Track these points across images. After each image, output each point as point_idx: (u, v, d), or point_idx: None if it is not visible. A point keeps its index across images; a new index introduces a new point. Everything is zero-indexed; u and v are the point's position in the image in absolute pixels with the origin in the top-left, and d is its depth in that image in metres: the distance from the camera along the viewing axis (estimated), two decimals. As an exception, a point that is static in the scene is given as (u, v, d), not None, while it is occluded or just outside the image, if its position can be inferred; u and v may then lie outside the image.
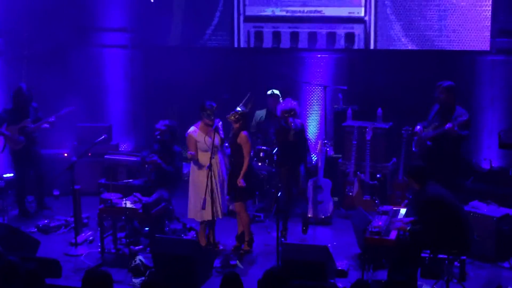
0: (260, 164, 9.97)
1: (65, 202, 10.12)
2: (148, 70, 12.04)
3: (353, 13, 11.04)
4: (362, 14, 11.00)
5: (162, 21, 11.70)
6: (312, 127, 11.38)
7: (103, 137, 9.48)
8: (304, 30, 11.28)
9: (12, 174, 10.93)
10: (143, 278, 7.81)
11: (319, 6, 11.15)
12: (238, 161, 8.56)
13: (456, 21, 10.60)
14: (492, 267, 8.16)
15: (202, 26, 11.64)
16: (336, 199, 10.04)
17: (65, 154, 11.01)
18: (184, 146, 9.07)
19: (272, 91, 10.55)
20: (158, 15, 11.69)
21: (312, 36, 11.25)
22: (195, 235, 9.04)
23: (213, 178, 8.21)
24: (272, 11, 11.38)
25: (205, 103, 8.49)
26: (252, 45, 11.55)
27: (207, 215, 8.37)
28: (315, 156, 10.13)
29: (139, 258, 8.14)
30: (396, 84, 10.81)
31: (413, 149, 9.31)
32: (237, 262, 8.35)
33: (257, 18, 11.48)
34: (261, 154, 10.04)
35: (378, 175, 9.95)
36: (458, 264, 7.69)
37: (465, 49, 10.61)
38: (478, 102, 10.60)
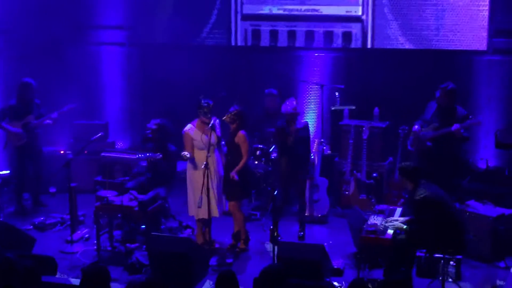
0: (256, 162, 9.98)
1: (61, 199, 10.10)
2: (145, 68, 12.01)
3: (351, 12, 11.04)
4: (360, 13, 11.00)
5: (159, 19, 11.68)
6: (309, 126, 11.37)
7: (99, 134, 9.46)
8: (301, 28, 11.28)
9: (8, 171, 10.93)
10: (139, 276, 7.80)
11: (316, 4, 11.14)
12: (235, 160, 8.55)
13: (454, 21, 10.61)
14: (488, 266, 8.17)
15: (200, 24, 11.62)
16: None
17: (62, 152, 11.01)
18: (178, 144, 9.05)
19: (270, 90, 10.57)
20: (155, 12, 11.67)
21: (310, 35, 11.25)
22: (191, 233, 9.04)
23: (209, 176, 8.20)
24: (270, 9, 11.37)
25: (201, 101, 8.47)
26: (249, 43, 11.54)
27: (203, 214, 8.36)
28: (311, 154, 10.12)
29: (135, 256, 8.14)
30: (393, 84, 10.81)
31: (409, 147, 9.32)
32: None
33: (255, 16, 11.47)
34: (258, 153, 10.05)
35: (374, 174, 9.95)
36: (454, 264, 7.70)
37: (462, 48, 10.62)
38: (475, 102, 10.60)
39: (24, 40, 11.48)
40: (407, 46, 10.84)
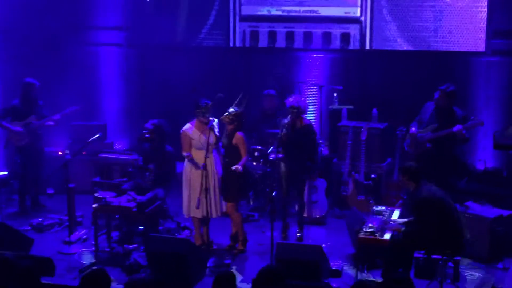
0: (254, 163, 9.97)
1: (59, 200, 10.09)
2: (143, 68, 12.03)
3: (349, 13, 11.05)
4: (358, 14, 11.00)
5: (157, 20, 11.68)
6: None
7: (97, 135, 9.45)
8: (299, 30, 11.28)
9: (6, 172, 10.93)
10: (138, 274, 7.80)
11: (315, 6, 11.15)
12: (232, 162, 8.53)
13: (452, 22, 10.61)
14: (486, 267, 8.17)
15: (198, 25, 11.63)
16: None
17: (60, 152, 11.01)
18: (176, 145, 9.04)
19: (268, 90, 10.57)
20: (154, 13, 11.68)
21: (308, 36, 11.25)
22: (189, 234, 9.03)
23: (207, 177, 8.19)
24: (268, 10, 11.37)
25: (199, 101, 8.47)
26: (247, 44, 11.55)
27: (196, 212, 8.36)
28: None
29: (133, 256, 8.13)
30: (391, 85, 10.82)
31: (406, 149, 9.33)
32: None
33: (253, 17, 11.47)
34: (256, 154, 10.04)
35: (372, 175, 9.96)
36: (452, 265, 7.70)
37: (460, 50, 10.62)
38: (473, 103, 10.61)
39: (22, 40, 11.48)
40: (406, 47, 10.85)
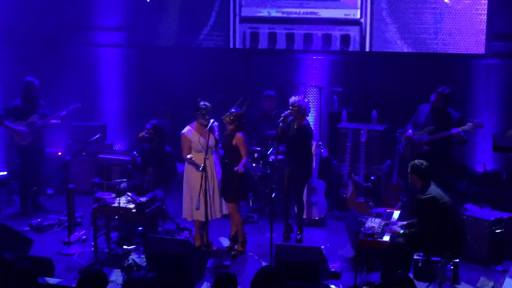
0: (254, 165, 9.97)
1: (59, 201, 10.09)
2: (143, 69, 12.03)
3: (349, 15, 11.05)
4: (358, 16, 11.01)
5: (157, 20, 11.69)
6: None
7: (97, 136, 9.45)
8: (299, 31, 11.28)
9: (5, 173, 10.93)
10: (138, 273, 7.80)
11: (315, 7, 11.16)
12: (232, 162, 8.54)
13: (452, 24, 10.62)
14: (485, 270, 8.17)
15: (198, 26, 11.63)
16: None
17: (59, 153, 11.01)
18: (175, 146, 9.04)
19: (268, 92, 10.57)
20: (154, 14, 11.68)
21: (308, 38, 11.26)
22: (188, 235, 9.03)
23: (207, 179, 8.19)
24: (268, 12, 11.38)
25: (199, 103, 8.47)
26: (247, 46, 11.55)
27: (200, 216, 8.35)
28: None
29: (132, 257, 8.13)
30: (391, 87, 10.82)
31: (401, 151, 9.35)
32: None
33: (253, 19, 11.47)
34: (256, 155, 10.04)
35: (372, 177, 9.96)
36: (451, 267, 7.70)
37: (460, 52, 10.63)
38: (473, 105, 10.62)
39: (22, 41, 11.49)
40: (406, 49, 10.85)
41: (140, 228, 8.77)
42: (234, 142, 8.53)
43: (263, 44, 11.47)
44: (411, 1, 10.72)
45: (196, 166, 8.40)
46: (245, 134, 8.73)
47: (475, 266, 8.20)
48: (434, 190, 7.35)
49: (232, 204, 8.63)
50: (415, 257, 7.63)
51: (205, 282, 7.71)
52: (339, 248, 8.83)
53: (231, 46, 11.62)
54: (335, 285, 7.65)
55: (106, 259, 8.52)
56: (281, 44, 11.39)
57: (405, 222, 7.76)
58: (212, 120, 8.40)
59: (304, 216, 9.47)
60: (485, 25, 10.46)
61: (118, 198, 8.61)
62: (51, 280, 6.97)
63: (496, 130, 10.31)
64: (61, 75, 11.44)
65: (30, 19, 11.45)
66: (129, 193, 8.71)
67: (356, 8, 10.99)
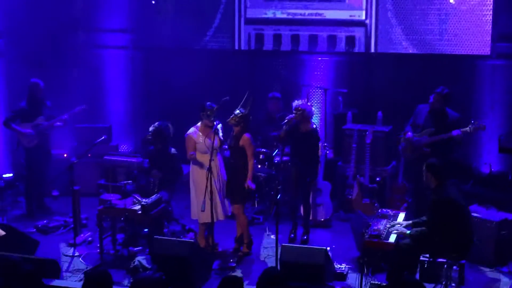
0: (259, 166, 9.97)
1: (64, 202, 10.11)
2: (149, 71, 12.05)
3: (354, 16, 11.05)
4: (363, 17, 11.00)
5: (162, 22, 11.71)
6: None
7: (102, 138, 9.48)
8: (305, 32, 11.28)
9: (11, 174, 10.95)
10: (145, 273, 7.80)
11: (320, 9, 11.16)
12: (238, 163, 8.54)
13: (457, 25, 10.61)
14: (491, 271, 8.16)
15: (203, 28, 11.64)
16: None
17: (65, 155, 11.03)
18: (180, 148, 9.05)
19: (273, 93, 10.58)
20: (159, 16, 11.69)
21: (313, 39, 11.26)
22: (194, 237, 9.03)
23: (212, 180, 8.19)
24: (273, 13, 11.38)
25: (205, 104, 8.47)
26: (252, 47, 11.55)
27: (206, 217, 8.35)
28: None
29: (138, 259, 8.14)
30: (396, 88, 10.81)
31: (401, 153, 9.34)
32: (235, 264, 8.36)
33: (258, 20, 11.47)
34: (261, 156, 10.05)
35: (377, 179, 9.94)
36: (457, 268, 7.68)
37: (465, 53, 10.62)
38: (478, 106, 10.60)
39: (27, 43, 11.49)
40: (411, 50, 10.85)
41: (146, 230, 8.77)
42: (241, 143, 8.52)
43: (268, 45, 11.47)
44: (416, 2, 10.71)
45: (200, 165, 8.41)
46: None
47: (481, 267, 8.19)
48: (451, 190, 7.29)
49: (237, 205, 8.63)
50: (421, 258, 7.61)
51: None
52: (344, 249, 8.82)
53: (236, 48, 11.62)
54: (340, 287, 7.63)
55: (112, 260, 8.53)
56: (286, 45, 11.38)
57: (410, 222, 7.75)
58: (217, 122, 8.41)
59: (310, 218, 9.47)
60: (490, 26, 10.44)
61: (123, 200, 8.61)
62: (57, 282, 7.00)
63: (501, 131, 10.30)
64: (67, 76, 11.47)
65: (35, 21, 11.46)
66: (135, 195, 8.72)
67: (361, 9, 10.99)
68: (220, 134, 8.55)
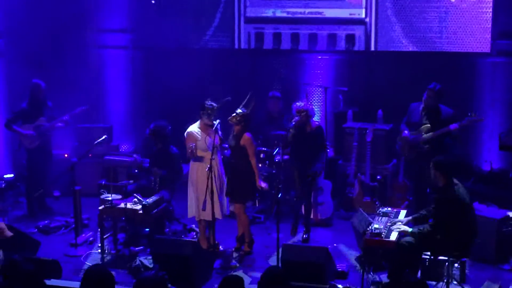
0: (260, 165, 9.97)
1: (66, 203, 10.12)
2: (149, 71, 12.05)
3: (354, 14, 11.05)
4: (363, 15, 11.00)
5: (162, 22, 11.70)
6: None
7: (103, 138, 9.48)
8: (304, 31, 11.28)
9: (12, 175, 10.95)
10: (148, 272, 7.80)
11: (320, 7, 11.16)
12: (239, 163, 8.53)
13: (457, 23, 10.61)
14: (493, 268, 8.16)
15: (203, 27, 11.65)
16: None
17: (66, 155, 11.03)
18: (180, 147, 9.05)
19: (273, 92, 10.57)
20: (159, 16, 11.70)
21: (313, 38, 11.26)
22: (195, 236, 9.04)
23: (213, 178, 8.19)
24: (273, 12, 11.38)
25: (205, 103, 8.47)
26: (252, 46, 11.55)
27: (206, 216, 8.35)
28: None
29: (139, 259, 8.14)
30: (396, 86, 10.80)
31: (398, 152, 9.34)
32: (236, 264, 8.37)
33: (258, 19, 11.48)
34: (262, 155, 10.04)
35: (378, 177, 9.95)
36: (458, 266, 7.69)
37: (465, 51, 10.62)
38: (479, 104, 10.59)
39: (28, 43, 11.50)
40: (411, 48, 10.85)
41: (147, 229, 8.78)
42: (241, 142, 8.52)
43: (268, 44, 11.47)
44: (416, 0, 10.71)
45: (199, 162, 8.40)
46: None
47: (482, 265, 8.19)
48: (461, 189, 7.27)
49: (238, 204, 8.64)
50: (422, 256, 7.61)
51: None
52: (345, 248, 8.82)
53: (236, 47, 11.63)
54: (341, 285, 7.64)
55: (113, 260, 8.53)
56: (286, 44, 11.39)
57: (410, 217, 7.75)
58: (218, 121, 8.40)
59: (311, 216, 9.48)
60: (490, 24, 10.44)
61: (124, 200, 8.62)
62: (58, 282, 7.00)
63: (502, 129, 10.30)
64: (67, 77, 11.45)
65: (36, 21, 11.47)
66: (136, 195, 8.72)
67: (361, 7, 10.99)
68: (220, 132, 8.53)
